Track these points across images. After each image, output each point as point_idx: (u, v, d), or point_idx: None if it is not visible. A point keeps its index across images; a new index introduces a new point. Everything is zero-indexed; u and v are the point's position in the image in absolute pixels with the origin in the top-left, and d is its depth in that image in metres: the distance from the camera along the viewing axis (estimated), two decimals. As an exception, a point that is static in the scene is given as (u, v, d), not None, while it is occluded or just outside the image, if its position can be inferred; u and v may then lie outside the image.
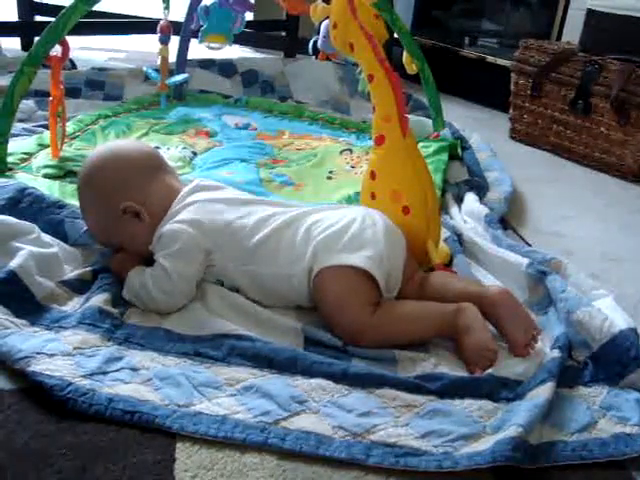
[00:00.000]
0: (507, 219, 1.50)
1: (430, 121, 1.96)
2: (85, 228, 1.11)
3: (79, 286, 1.01)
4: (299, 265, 1.00)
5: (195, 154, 1.64)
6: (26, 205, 1.13)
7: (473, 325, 0.94)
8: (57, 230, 1.11)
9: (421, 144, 1.62)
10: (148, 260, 1.03)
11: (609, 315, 0.97)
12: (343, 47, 1.21)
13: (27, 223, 1.06)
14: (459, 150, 1.80)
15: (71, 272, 1.03)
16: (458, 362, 0.94)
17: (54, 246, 1.06)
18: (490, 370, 0.91)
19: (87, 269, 1.05)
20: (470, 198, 1.52)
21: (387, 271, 1.00)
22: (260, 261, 1.02)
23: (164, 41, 1.90)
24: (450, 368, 0.92)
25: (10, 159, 1.40)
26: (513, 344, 0.96)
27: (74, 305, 0.97)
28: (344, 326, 0.96)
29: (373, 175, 1.17)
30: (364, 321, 0.95)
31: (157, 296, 0.97)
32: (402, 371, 0.91)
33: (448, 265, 1.18)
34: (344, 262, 0.98)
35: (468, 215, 1.44)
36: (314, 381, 0.85)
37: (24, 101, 1.52)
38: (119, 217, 1.04)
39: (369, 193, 1.17)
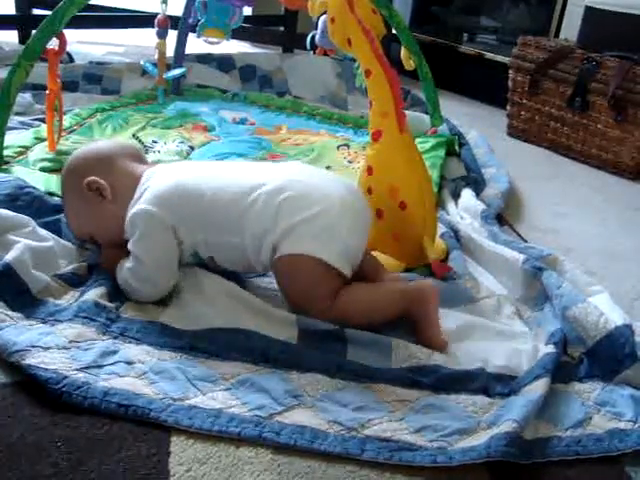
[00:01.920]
0: (504, 215, 1.50)
1: (428, 117, 1.96)
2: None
3: (74, 280, 1.01)
4: (264, 241, 0.98)
5: (192, 148, 1.64)
6: (24, 204, 1.13)
7: (430, 310, 0.97)
8: (53, 229, 1.10)
9: (418, 140, 1.61)
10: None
11: (605, 311, 0.97)
12: (341, 42, 1.21)
13: (23, 216, 1.06)
14: (456, 146, 1.80)
15: (66, 266, 1.03)
16: (450, 354, 0.94)
17: (50, 240, 1.05)
18: (481, 364, 0.91)
19: (82, 263, 1.05)
20: (467, 194, 1.52)
21: (352, 258, 1.00)
22: (221, 228, 0.99)
23: (162, 35, 1.90)
24: (444, 359, 0.92)
25: (7, 152, 1.40)
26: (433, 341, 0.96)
27: (69, 299, 0.97)
28: (305, 309, 0.97)
29: (370, 170, 1.17)
30: (323, 306, 0.96)
31: (138, 286, 0.97)
32: (396, 359, 0.91)
33: (444, 261, 1.19)
34: (314, 254, 0.95)
35: (465, 211, 1.44)
36: (309, 375, 0.86)
37: (21, 94, 1.52)
38: (85, 196, 1.04)
39: (366, 188, 1.17)
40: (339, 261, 0.97)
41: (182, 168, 1.09)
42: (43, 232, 1.07)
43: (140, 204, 1.00)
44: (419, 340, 0.96)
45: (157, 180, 1.04)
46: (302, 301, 0.98)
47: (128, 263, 0.99)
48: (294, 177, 1.02)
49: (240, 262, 1.02)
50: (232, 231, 0.99)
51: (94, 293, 0.96)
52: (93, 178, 1.04)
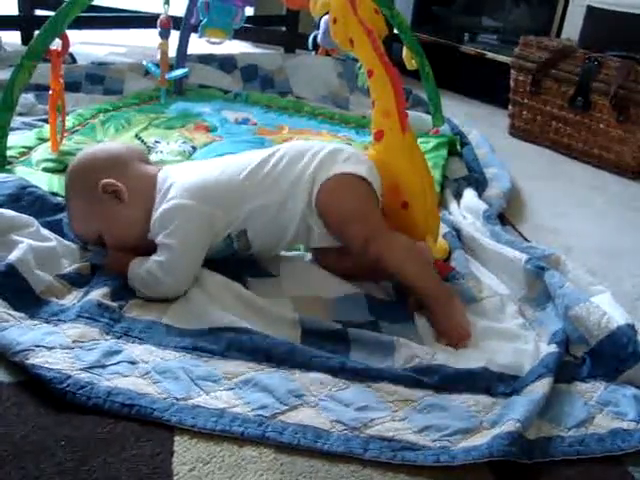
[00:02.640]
0: (506, 215, 1.50)
1: (429, 117, 1.96)
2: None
3: (77, 280, 1.01)
4: (299, 186, 1.04)
5: (195, 149, 1.64)
6: (26, 204, 1.13)
7: (457, 304, 1.01)
8: (55, 229, 1.11)
9: (420, 140, 1.61)
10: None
11: (607, 311, 0.97)
12: (343, 42, 1.21)
13: (26, 216, 1.06)
14: (458, 146, 1.80)
15: (69, 266, 1.03)
16: (454, 353, 0.94)
17: (52, 240, 1.06)
18: (484, 363, 0.91)
19: (85, 263, 1.05)
20: (469, 194, 1.52)
21: (379, 193, 1.08)
22: (258, 194, 1.04)
23: (164, 36, 1.90)
24: (447, 359, 0.92)
25: (10, 153, 1.40)
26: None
27: (72, 299, 0.97)
28: (359, 228, 1.01)
29: (372, 170, 1.17)
30: (379, 228, 1.02)
31: (164, 279, 0.97)
32: (399, 359, 0.91)
33: (446, 260, 1.19)
34: (349, 170, 1.04)
35: (467, 211, 1.44)
36: (312, 375, 0.86)
37: (24, 95, 1.52)
38: (99, 198, 1.04)
39: (368, 188, 1.17)
40: (370, 177, 1.05)
41: (198, 162, 1.15)
42: (46, 232, 1.07)
43: (172, 199, 1.02)
44: (441, 327, 0.98)
45: (179, 176, 1.06)
46: (357, 218, 1.02)
47: (157, 257, 1.00)
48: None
49: (274, 229, 1.06)
50: (267, 191, 1.04)
51: (97, 293, 0.96)
52: (110, 180, 1.04)
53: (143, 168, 1.10)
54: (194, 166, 1.12)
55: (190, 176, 1.06)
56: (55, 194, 1.24)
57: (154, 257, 1.00)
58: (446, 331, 0.98)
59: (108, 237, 1.06)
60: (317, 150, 1.08)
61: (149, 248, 1.03)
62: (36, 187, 1.19)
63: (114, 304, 0.95)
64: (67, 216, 1.11)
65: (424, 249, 1.06)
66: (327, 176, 1.04)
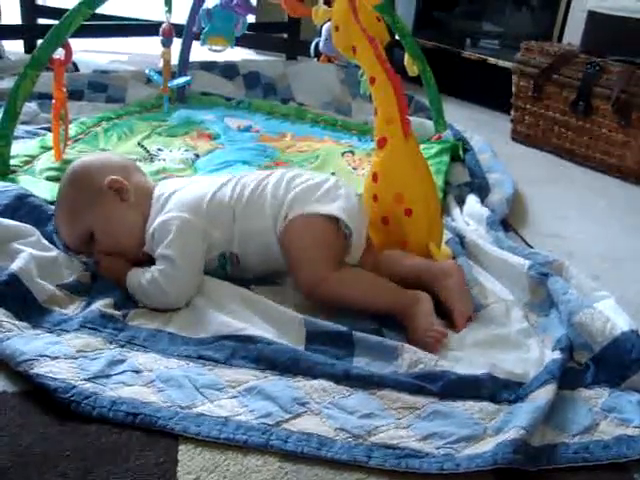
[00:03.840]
0: (508, 221, 1.50)
1: (431, 123, 1.96)
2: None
3: (79, 289, 1.01)
4: (280, 215, 1.05)
5: (197, 156, 1.64)
6: (24, 214, 1.13)
7: (420, 311, 0.99)
8: (51, 241, 1.10)
9: (423, 146, 1.61)
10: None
11: (611, 317, 0.97)
12: (345, 50, 1.21)
13: (27, 226, 1.07)
14: (461, 152, 1.80)
15: (70, 276, 1.03)
16: (457, 359, 0.94)
17: (53, 250, 1.06)
18: (488, 370, 0.91)
19: (86, 272, 1.05)
20: (472, 200, 1.52)
21: (356, 227, 1.06)
22: (246, 216, 1.05)
23: (166, 44, 1.90)
24: (451, 365, 0.92)
25: (13, 162, 1.41)
26: (457, 314, 1.01)
27: (75, 308, 0.97)
28: (305, 275, 1.01)
29: (375, 177, 1.17)
30: (324, 274, 1.00)
31: (168, 288, 0.98)
32: (403, 365, 0.91)
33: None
34: (316, 210, 1.04)
35: (470, 217, 1.44)
36: (316, 382, 0.86)
37: (27, 104, 1.52)
38: (102, 194, 1.05)
39: (371, 195, 1.18)
40: (342, 214, 1.04)
41: (193, 179, 1.17)
42: (46, 242, 1.07)
43: (169, 212, 1.04)
44: (413, 333, 0.98)
45: (175, 191, 1.08)
46: (305, 264, 1.01)
47: (158, 266, 1.00)
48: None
49: (264, 252, 1.06)
50: (257, 215, 1.06)
51: (100, 303, 0.96)
52: (117, 177, 1.06)
53: (143, 178, 1.14)
54: (189, 183, 1.13)
55: (186, 192, 1.08)
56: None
57: (156, 267, 1.00)
58: (417, 340, 0.96)
59: (102, 236, 1.06)
60: (296, 184, 1.08)
61: (137, 258, 1.05)
62: (35, 197, 1.19)
63: (118, 313, 0.96)
64: (55, 218, 1.11)
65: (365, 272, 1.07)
66: (292, 216, 1.04)
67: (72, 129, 1.64)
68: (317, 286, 1.00)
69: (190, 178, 1.21)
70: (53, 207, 1.18)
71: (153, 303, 0.99)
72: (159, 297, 0.99)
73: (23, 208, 1.14)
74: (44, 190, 1.29)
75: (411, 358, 0.92)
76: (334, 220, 1.04)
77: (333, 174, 1.59)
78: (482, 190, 1.61)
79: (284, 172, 1.12)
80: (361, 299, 1.01)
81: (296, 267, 1.03)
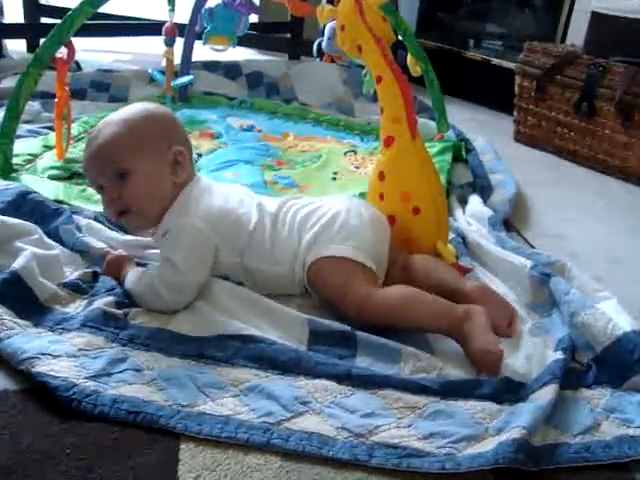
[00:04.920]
0: (511, 221, 1.50)
1: (433, 123, 1.96)
2: (79, 235, 1.11)
3: (81, 287, 1.01)
4: (296, 261, 1.04)
5: (200, 156, 1.64)
6: (26, 211, 1.13)
7: (476, 330, 0.94)
8: (54, 237, 1.11)
9: (426, 145, 1.61)
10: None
11: (613, 317, 0.97)
12: (351, 49, 1.21)
13: (29, 224, 1.07)
14: (463, 152, 1.80)
15: (71, 274, 1.04)
16: (463, 365, 0.94)
17: (55, 248, 1.06)
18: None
19: (87, 270, 1.05)
20: (474, 200, 1.52)
21: (374, 257, 1.04)
22: (258, 258, 1.04)
23: (169, 43, 1.91)
24: (454, 375, 0.91)
25: (16, 160, 1.41)
26: (495, 327, 0.97)
27: (77, 307, 0.97)
28: (350, 300, 0.99)
29: (382, 176, 1.17)
30: (369, 292, 0.99)
31: (165, 294, 0.97)
32: (405, 367, 0.91)
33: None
34: (333, 253, 1.02)
35: (472, 217, 1.44)
36: (317, 382, 0.86)
37: (29, 102, 1.53)
38: (165, 151, 1.03)
39: (377, 194, 1.18)
40: (359, 255, 1.02)
41: (226, 187, 1.12)
42: (49, 239, 1.07)
43: (189, 216, 1.02)
44: (471, 355, 0.94)
45: (205, 195, 1.05)
46: (346, 291, 0.99)
47: (158, 269, 1.00)
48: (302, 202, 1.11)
49: (272, 286, 1.05)
50: (269, 261, 1.04)
51: (101, 302, 0.95)
52: (184, 151, 1.05)
53: (191, 165, 1.10)
54: (220, 191, 1.09)
55: (216, 199, 1.06)
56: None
57: (155, 271, 1.00)
58: (476, 362, 0.93)
59: (133, 185, 1.01)
60: (313, 222, 1.06)
61: (144, 225, 1.07)
62: (36, 193, 1.19)
63: (119, 312, 0.95)
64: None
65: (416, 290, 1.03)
66: (312, 259, 1.02)
67: (75, 128, 1.65)
68: (364, 305, 0.98)
69: (223, 185, 1.16)
70: (54, 204, 1.19)
71: (148, 305, 0.98)
72: (154, 301, 0.98)
73: (26, 205, 1.15)
74: (46, 189, 1.29)
75: (414, 363, 0.92)
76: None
77: (335, 174, 1.60)
78: (485, 190, 1.61)
79: (297, 209, 1.08)
80: (410, 314, 0.98)
81: (338, 298, 1.00)
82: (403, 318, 0.97)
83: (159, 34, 1.92)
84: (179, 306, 0.98)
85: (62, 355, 0.84)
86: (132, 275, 1.01)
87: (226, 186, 1.15)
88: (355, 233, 1.05)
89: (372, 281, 1.03)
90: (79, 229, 1.14)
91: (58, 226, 1.13)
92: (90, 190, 1.30)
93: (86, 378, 0.81)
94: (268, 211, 1.08)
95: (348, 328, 0.96)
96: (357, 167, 1.66)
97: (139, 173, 1.01)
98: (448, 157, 1.70)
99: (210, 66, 2.31)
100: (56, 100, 1.43)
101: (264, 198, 1.13)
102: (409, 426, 0.81)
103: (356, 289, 0.99)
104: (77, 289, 1.01)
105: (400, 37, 1.86)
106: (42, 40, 1.39)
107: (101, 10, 1.43)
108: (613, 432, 0.83)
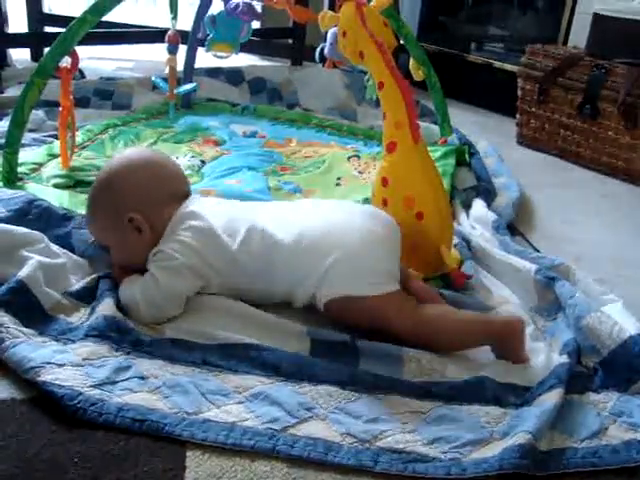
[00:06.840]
0: (515, 225, 1.50)
1: (436, 127, 1.96)
2: (92, 239, 1.12)
3: (85, 295, 1.01)
4: (302, 285, 1.01)
5: (203, 163, 1.64)
6: (34, 217, 1.14)
7: (515, 344, 0.96)
8: (64, 242, 1.11)
9: (428, 149, 1.61)
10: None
11: (618, 320, 0.97)
12: (353, 55, 1.21)
13: (36, 232, 1.07)
14: (466, 156, 1.80)
15: (77, 282, 1.04)
16: (464, 366, 0.94)
17: (61, 256, 1.06)
18: (494, 374, 0.91)
19: (92, 276, 1.06)
20: (478, 204, 1.52)
21: (391, 273, 1.02)
22: (261, 280, 1.02)
23: (172, 51, 1.91)
24: (457, 377, 0.91)
25: (20, 169, 1.42)
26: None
27: (81, 316, 0.97)
28: (394, 317, 0.97)
29: (385, 182, 1.17)
30: (410, 315, 0.97)
31: (143, 308, 0.97)
32: (408, 373, 0.91)
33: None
34: (347, 293, 0.98)
35: (476, 221, 1.44)
36: (321, 387, 0.86)
37: (34, 111, 1.53)
38: (121, 224, 1.04)
39: (381, 199, 1.18)
40: (378, 289, 0.98)
41: (218, 211, 1.07)
42: (55, 248, 1.08)
43: (179, 238, 1.01)
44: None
45: (194, 220, 1.03)
46: (385, 330, 0.97)
47: (142, 281, 1.00)
48: (309, 224, 1.03)
49: (267, 300, 1.04)
50: (264, 281, 1.02)
51: (103, 308, 0.95)
52: (137, 216, 1.03)
53: (167, 208, 1.06)
54: (216, 212, 1.06)
55: (204, 224, 1.02)
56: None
57: (140, 281, 1.00)
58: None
59: (115, 254, 1.07)
60: (324, 252, 0.99)
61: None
62: (44, 200, 1.20)
63: (121, 315, 0.95)
64: (87, 213, 1.09)
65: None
66: (329, 297, 0.99)
67: (79, 136, 1.65)
68: (413, 325, 0.96)
69: (216, 201, 1.14)
70: (61, 209, 1.19)
71: (127, 311, 0.98)
72: (132, 308, 0.98)
73: (33, 211, 1.15)
74: (51, 197, 1.29)
75: (416, 368, 0.92)
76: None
77: (339, 179, 1.60)
78: (488, 194, 1.60)
79: (294, 241, 1.01)
80: (451, 326, 0.97)
81: (383, 328, 0.98)
82: (446, 331, 0.97)
83: (162, 42, 1.92)
84: (157, 320, 0.98)
85: (67, 364, 0.84)
86: (125, 281, 1.02)
87: (216, 202, 1.13)
88: (369, 268, 1.00)
89: (400, 296, 1.00)
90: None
91: (70, 231, 1.13)
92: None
93: (91, 387, 0.81)
94: (260, 227, 1.02)
95: (348, 337, 0.95)
96: (360, 172, 1.66)
97: (113, 246, 1.07)
98: (451, 161, 1.70)
99: (213, 73, 2.32)
100: (60, 109, 1.43)
101: (260, 210, 1.09)
102: (414, 431, 0.81)
103: (399, 307, 0.98)
104: (81, 298, 1.01)
105: (402, 41, 1.86)
106: (46, 49, 1.40)
107: (104, 18, 1.43)
108: (621, 436, 0.83)
